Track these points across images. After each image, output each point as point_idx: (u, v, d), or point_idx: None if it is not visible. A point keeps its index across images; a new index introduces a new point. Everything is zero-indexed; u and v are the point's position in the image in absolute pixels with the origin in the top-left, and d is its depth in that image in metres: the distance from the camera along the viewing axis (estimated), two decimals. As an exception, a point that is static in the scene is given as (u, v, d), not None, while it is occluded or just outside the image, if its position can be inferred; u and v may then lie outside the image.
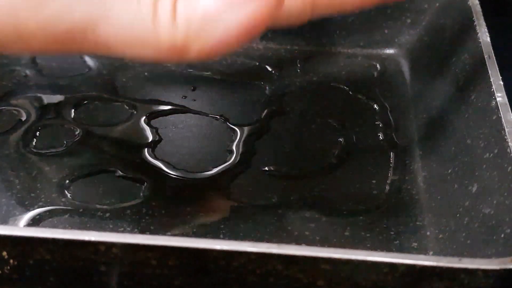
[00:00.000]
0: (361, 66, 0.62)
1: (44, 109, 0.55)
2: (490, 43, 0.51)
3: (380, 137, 0.54)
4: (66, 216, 0.46)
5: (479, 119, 0.47)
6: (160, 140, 0.53)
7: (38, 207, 0.47)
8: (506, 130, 0.44)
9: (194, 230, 0.46)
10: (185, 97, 0.57)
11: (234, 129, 0.54)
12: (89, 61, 0.60)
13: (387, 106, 0.57)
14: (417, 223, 0.47)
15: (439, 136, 0.52)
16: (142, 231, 0.46)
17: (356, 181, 0.50)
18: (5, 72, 0.58)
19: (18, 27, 0.35)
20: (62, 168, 0.50)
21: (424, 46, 0.61)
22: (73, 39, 0.36)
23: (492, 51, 0.50)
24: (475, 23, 0.53)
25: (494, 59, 0.50)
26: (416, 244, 0.46)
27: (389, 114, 0.56)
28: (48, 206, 0.47)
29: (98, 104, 0.56)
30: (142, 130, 0.53)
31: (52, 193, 0.48)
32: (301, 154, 0.52)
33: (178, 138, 0.53)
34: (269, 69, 0.61)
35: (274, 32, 0.63)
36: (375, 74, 0.61)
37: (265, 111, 0.56)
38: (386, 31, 0.63)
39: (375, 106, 0.57)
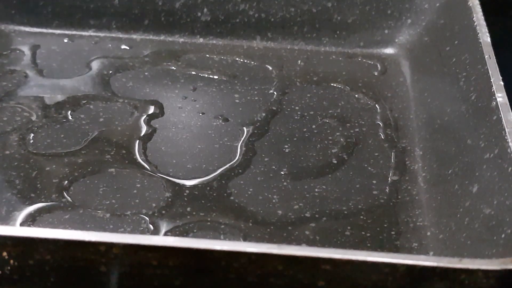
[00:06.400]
0: (361, 66, 0.62)
1: (44, 109, 0.55)
2: (490, 43, 0.51)
3: (380, 137, 0.54)
4: (66, 216, 0.46)
5: (479, 119, 0.47)
6: (159, 140, 0.53)
7: (38, 207, 0.47)
8: (507, 130, 0.44)
9: (195, 230, 0.46)
10: (185, 97, 0.57)
11: (234, 130, 0.54)
12: (89, 61, 0.60)
13: (387, 106, 0.57)
14: (418, 223, 0.47)
15: (439, 136, 0.52)
16: (142, 232, 0.46)
17: (356, 181, 0.50)
18: (6, 72, 0.58)
19: None
20: (62, 168, 0.50)
21: (424, 46, 0.61)
22: None
23: (492, 51, 0.50)
24: (475, 23, 0.53)
25: (494, 59, 0.49)
26: (416, 244, 0.46)
27: (389, 114, 0.56)
28: (48, 206, 0.47)
29: (98, 104, 0.56)
30: (142, 130, 0.53)
31: (52, 193, 0.48)
32: (301, 154, 0.52)
33: (178, 139, 0.53)
34: (269, 69, 0.61)
35: (274, 32, 0.63)
36: (375, 74, 0.61)
37: (265, 111, 0.56)
38: (386, 31, 0.63)
39: (375, 106, 0.57)
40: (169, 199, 0.48)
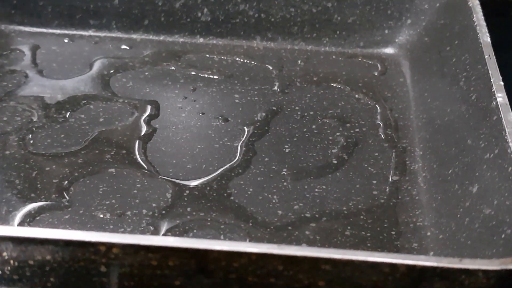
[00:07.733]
0: (361, 66, 0.62)
1: (44, 109, 0.55)
2: (490, 43, 0.51)
3: (380, 137, 0.54)
4: (66, 216, 0.46)
5: (479, 119, 0.47)
6: (159, 140, 0.53)
7: (38, 207, 0.47)
8: (507, 130, 0.44)
9: (195, 230, 0.46)
10: (185, 97, 0.57)
11: (234, 130, 0.54)
12: (89, 61, 0.60)
13: (387, 106, 0.57)
14: (418, 223, 0.47)
15: (439, 136, 0.52)
16: (143, 232, 0.46)
17: (356, 181, 0.50)
18: (6, 72, 0.58)
19: None
20: (62, 168, 0.50)
21: (424, 46, 0.61)
22: None
23: (492, 51, 0.50)
24: (475, 23, 0.53)
25: (494, 59, 0.50)
26: (416, 244, 0.46)
27: (389, 114, 0.56)
28: (48, 206, 0.47)
29: (98, 104, 0.56)
30: (142, 130, 0.53)
31: (52, 193, 0.48)
32: (301, 154, 0.52)
33: (178, 139, 0.53)
34: (269, 69, 0.61)
35: (274, 32, 0.63)
36: (375, 74, 0.61)
37: (265, 111, 0.56)
38: (386, 31, 0.63)
39: (375, 106, 0.57)
40: (169, 199, 0.48)
